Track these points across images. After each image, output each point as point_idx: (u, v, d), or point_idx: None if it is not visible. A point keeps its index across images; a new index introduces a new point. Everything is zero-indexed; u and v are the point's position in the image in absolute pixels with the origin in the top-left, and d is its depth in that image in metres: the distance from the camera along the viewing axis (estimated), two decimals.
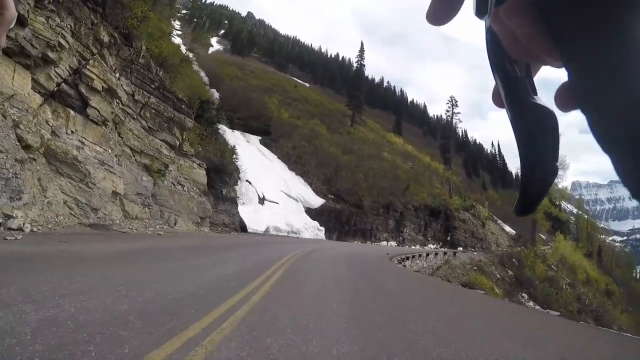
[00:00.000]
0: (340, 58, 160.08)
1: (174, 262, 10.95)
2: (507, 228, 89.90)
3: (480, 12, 0.49)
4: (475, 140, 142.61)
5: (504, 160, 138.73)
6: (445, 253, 43.01)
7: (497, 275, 47.70)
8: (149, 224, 22.28)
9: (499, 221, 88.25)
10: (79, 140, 18.58)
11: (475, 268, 43.65)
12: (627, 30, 0.35)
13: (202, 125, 33.79)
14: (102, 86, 20.07)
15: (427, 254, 37.15)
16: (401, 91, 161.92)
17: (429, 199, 64.82)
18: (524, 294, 44.92)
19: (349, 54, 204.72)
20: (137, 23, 24.31)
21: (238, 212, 34.66)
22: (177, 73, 30.43)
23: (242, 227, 34.25)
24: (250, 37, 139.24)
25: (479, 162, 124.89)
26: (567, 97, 0.41)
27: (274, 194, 44.92)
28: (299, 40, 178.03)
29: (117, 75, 22.81)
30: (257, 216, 38.48)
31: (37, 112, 16.27)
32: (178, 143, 26.34)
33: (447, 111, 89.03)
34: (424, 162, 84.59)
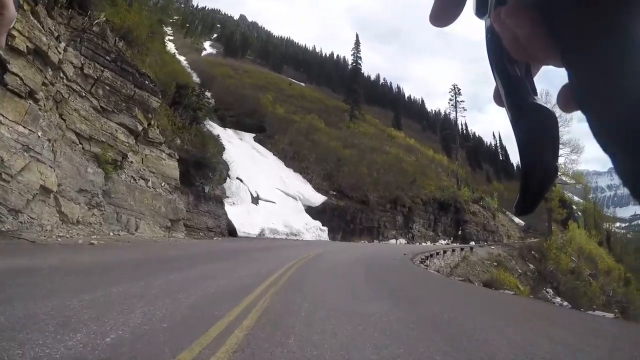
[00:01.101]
0: (335, 57, 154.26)
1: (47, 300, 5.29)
2: (516, 219, 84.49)
3: (480, 12, 0.49)
4: (474, 133, 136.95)
5: (506, 152, 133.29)
6: (462, 249, 38.11)
7: (519, 270, 42.86)
8: (99, 230, 16.53)
9: (507, 212, 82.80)
10: None
11: (495, 264, 39.42)
12: (627, 31, 0.34)
13: (179, 113, 28.08)
14: (28, 47, 14.54)
15: (444, 252, 32.40)
16: (398, 87, 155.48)
17: (437, 191, 59.04)
18: (548, 289, 40.80)
19: (344, 52, 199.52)
20: None
21: (225, 214, 28.97)
22: (144, 48, 24.63)
23: (231, 231, 28.58)
24: (244, 39, 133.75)
25: (481, 154, 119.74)
26: (569, 98, 0.41)
27: (269, 193, 39.21)
28: (293, 41, 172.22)
29: (63, 45, 17.33)
30: (250, 217, 32.74)
31: None
32: (142, 128, 20.62)
33: (450, 100, 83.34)
34: (427, 155, 78.88)
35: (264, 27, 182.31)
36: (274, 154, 50.74)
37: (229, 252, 17.50)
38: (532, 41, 0.41)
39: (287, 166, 48.74)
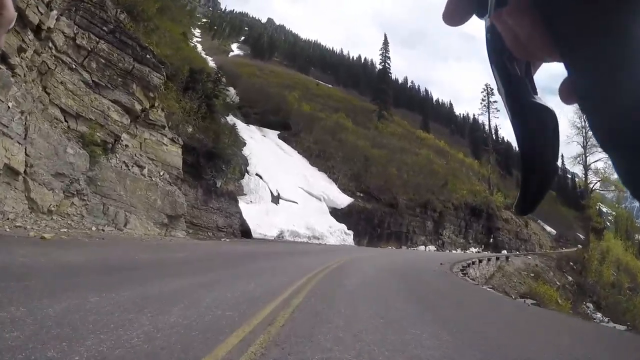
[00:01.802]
0: (363, 59, 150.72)
1: None
2: (548, 228, 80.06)
3: (480, 12, 0.47)
4: (503, 137, 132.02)
5: None
6: (497, 259, 34.87)
7: (557, 283, 39.50)
8: (80, 223, 13.56)
9: (539, 220, 78.27)
10: None
11: (532, 275, 36.39)
12: (626, 30, 0.34)
13: (190, 97, 25.21)
14: None
15: (480, 261, 29.23)
16: (426, 90, 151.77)
17: (469, 196, 55.15)
18: (589, 304, 37.92)
19: (371, 55, 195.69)
20: None
21: (239, 212, 25.84)
22: (152, 24, 21.78)
23: (245, 232, 25.44)
24: (271, 41, 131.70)
25: (510, 160, 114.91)
26: (570, 90, 0.40)
27: (291, 192, 36.11)
28: (320, 44, 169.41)
29: (55, 13, 14.64)
30: (269, 218, 29.66)
31: None
32: (141, 108, 17.69)
33: (482, 100, 78.82)
34: (458, 158, 74.73)
35: (291, 30, 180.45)
36: (298, 152, 47.69)
37: (230, 257, 14.30)
38: (532, 39, 0.41)
39: (311, 165, 45.59)
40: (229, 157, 25.65)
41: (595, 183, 55.02)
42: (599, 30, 0.34)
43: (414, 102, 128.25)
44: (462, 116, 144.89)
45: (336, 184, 42.82)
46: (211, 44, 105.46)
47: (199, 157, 23.75)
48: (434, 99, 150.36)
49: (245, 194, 30.41)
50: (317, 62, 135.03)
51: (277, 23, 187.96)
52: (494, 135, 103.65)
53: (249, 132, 44.29)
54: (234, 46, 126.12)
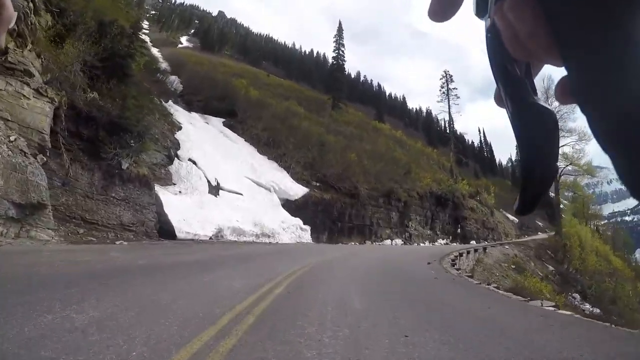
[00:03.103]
0: (315, 54, 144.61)
1: None
2: (511, 216, 76.51)
3: (480, 12, 0.47)
4: (456, 130, 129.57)
5: (491, 148, 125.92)
6: (476, 250, 30.52)
7: (540, 273, 35.81)
8: None
9: (501, 209, 74.70)
10: None
11: (513, 266, 32.90)
12: (628, 28, 0.33)
13: (96, 55, 18.19)
14: None
15: (461, 254, 25.09)
16: (379, 85, 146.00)
17: (433, 185, 49.77)
18: (575, 295, 35.17)
19: (324, 50, 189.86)
20: None
21: (156, 205, 18.93)
22: None
23: (166, 231, 18.55)
24: (222, 33, 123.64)
25: (466, 151, 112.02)
26: (567, 90, 0.39)
27: (235, 182, 29.20)
28: (272, 37, 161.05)
29: None
30: (205, 212, 22.65)
31: None
32: None
33: (442, 87, 74.08)
34: (416, 147, 69.73)
35: (242, 24, 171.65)
36: (245, 140, 40.67)
37: (67, 282, 7.13)
38: (532, 38, 0.39)
39: (260, 153, 38.67)
40: (141, 131, 18.57)
41: (564, 168, 51.02)
42: (601, 27, 0.33)
43: (367, 97, 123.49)
44: (415, 110, 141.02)
45: (288, 173, 36.11)
46: (159, 36, 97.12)
47: (98, 129, 16.80)
48: (387, 94, 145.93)
49: (174, 183, 23.44)
50: (269, 56, 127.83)
51: (229, 16, 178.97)
52: (447, 124, 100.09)
53: (189, 119, 37.17)
54: (184, 39, 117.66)
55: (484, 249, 33.12)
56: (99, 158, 16.50)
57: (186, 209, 21.29)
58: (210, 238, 21.26)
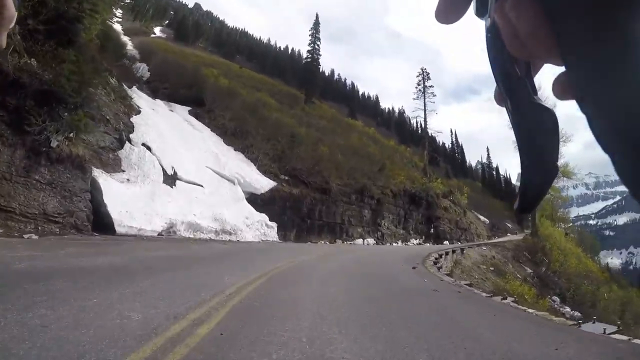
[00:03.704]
0: (290, 50, 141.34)
1: None
2: (482, 217, 75.49)
3: (480, 12, 0.46)
4: (429, 131, 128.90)
5: (462, 150, 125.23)
6: (454, 252, 28.34)
7: (518, 275, 34.37)
8: None
9: (472, 210, 73.55)
10: None
11: (491, 269, 31.42)
12: (627, 29, 0.32)
13: (43, 23, 15.15)
14: None
15: (440, 256, 23.24)
16: (352, 84, 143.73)
17: (407, 182, 47.50)
18: (554, 297, 33.88)
19: (298, 46, 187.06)
20: None
21: (90, 191, 15.88)
22: None
23: (103, 224, 15.59)
24: (196, 25, 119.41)
25: (438, 151, 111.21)
26: (565, 86, 0.39)
27: (195, 172, 26.14)
28: (247, 32, 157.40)
29: None
30: (156, 204, 19.59)
31: None
32: None
33: (418, 85, 72.02)
34: (389, 145, 67.65)
35: (218, 17, 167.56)
36: (211, 130, 37.52)
37: None
38: (533, 37, 0.39)
39: (226, 144, 35.60)
40: (81, 103, 15.46)
41: None
42: (602, 26, 0.33)
43: (341, 95, 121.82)
44: (387, 110, 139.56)
45: (255, 165, 33.17)
46: (132, 25, 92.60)
47: (26, 98, 13.75)
48: (360, 93, 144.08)
49: (123, 170, 20.31)
50: (244, 50, 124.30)
51: (205, 9, 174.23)
52: (421, 126, 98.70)
53: (152, 105, 33.99)
54: (157, 29, 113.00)
55: (462, 250, 31.13)
56: (24, 133, 13.46)
57: (132, 200, 18.25)
58: (160, 234, 18.29)
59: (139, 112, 27.68)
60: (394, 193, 43.77)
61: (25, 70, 14.34)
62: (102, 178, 17.35)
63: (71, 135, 15.20)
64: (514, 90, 0.44)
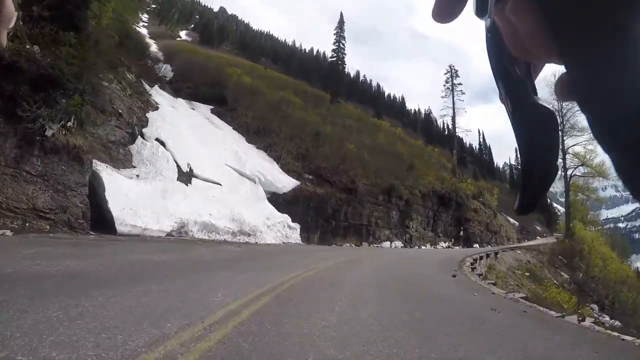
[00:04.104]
0: (315, 52, 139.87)
1: None
2: (512, 220, 72.51)
3: (480, 12, 0.46)
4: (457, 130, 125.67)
5: (490, 151, 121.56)
6: (488, 256, 26.13)
7: (555, 282, 32.08)
8: None
9: (502, 212, 70.60)
10: None
11: (527, 274, 29.13)
12: (627, 29, 0.32)
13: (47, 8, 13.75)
14: None
15: (475, 260, 21.51)
16: (378, 85, 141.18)
17: (436, 183, 45.14)
18: (593, 306, 30.00)
19: (323, 48, 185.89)
20: None
21: (100, 187, 14.30)
22: None
23: (104, 222, 13.97)
24: (221, 28, 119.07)
25: (465, 153, 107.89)
26: (568, 87, 0.38)
27: (214, 170, 24.52)
28: (272, 35, 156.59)
29: None
30: (166, 202, 17.89)
31: None
32: None
33: (446, 83, 69.50)
34: (417, 145, 65.21)
35: (243, 20, 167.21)
36: (233, 129, 35.99)
37: None
38: (533, 37, 0.38)
39: (248, 142, 33.99)
40: (82, 90, 13.88)
41: (576, 168, 46.66)
42: (602, 26, 0.32)
43: (366, 96, 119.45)
44: (414, 111, 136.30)
45: (278, 164, 31.39)
46: (158, 29, 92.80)
47: (22, 84, 12.25)
48: (386, 94, 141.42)
49: (134, 166, 18.76)
50: (269, 53, 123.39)
51: (230, 12, 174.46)
52: (448, 126, 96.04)
53: (172, 103, 32.67)
54: (183, 33, 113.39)
55: (495, 254, 28.77)
56: (16, 119, 11.93)
57: (140, 197, 16.60)
58: (169, 234, 16.57)
59: (156, 109, 26.32)
60: (423, 194, 41.44)
61: (22, 55, 12.88)
62: (106, 172, 15.75)
63: (69, 124, 13.63)
64: (514, 91, 0.44)
